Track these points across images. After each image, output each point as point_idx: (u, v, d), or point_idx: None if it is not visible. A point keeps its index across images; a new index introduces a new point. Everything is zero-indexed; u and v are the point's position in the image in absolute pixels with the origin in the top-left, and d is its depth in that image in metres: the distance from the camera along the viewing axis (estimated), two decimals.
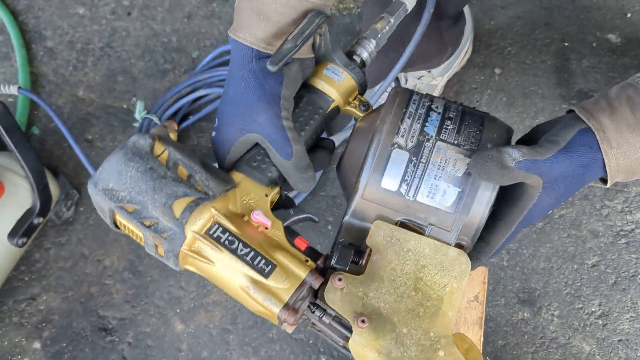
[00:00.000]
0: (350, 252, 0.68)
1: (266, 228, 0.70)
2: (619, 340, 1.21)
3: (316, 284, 0.69)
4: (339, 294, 0.67)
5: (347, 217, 0.72)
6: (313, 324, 0.70)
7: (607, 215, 1.34)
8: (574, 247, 1.31)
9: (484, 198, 0.68)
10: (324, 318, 0.68)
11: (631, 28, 1.48)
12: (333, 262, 0.68)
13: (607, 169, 0.67)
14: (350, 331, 0.66)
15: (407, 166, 0.68)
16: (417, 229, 0.70)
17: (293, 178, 0.74)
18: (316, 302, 0.68)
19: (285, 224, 0.72)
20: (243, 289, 0.67)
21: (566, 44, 1.49)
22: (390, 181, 0.69)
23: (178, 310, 1.37)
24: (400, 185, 0.69)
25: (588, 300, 1.26)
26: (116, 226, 0.73)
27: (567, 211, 1.35)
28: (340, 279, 0.66)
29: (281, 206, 0.75)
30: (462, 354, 0.66)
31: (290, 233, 0.71)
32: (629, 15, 1.49)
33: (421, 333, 0.65)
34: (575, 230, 1.33)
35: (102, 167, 0.68)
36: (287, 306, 0.66)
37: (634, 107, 0.65)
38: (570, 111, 0.70)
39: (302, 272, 0.68)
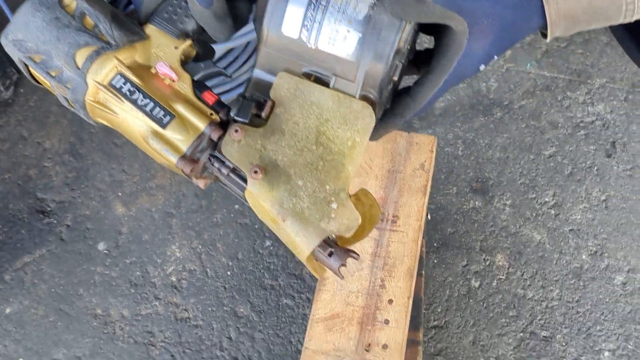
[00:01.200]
0: (251, 105, 0.65)
1: (173, 81, 0.68)
2: (570, 230, 1.18)
3: (215, 136, 0.67)
4: (236, 145, 0.64)
5: (254, 70, 0.68)
6: (217, 177, 0.68)
7: (568, 107, 1.29)
8: (531, 137, 1.27)
9: (387, 43, 0.62)
10: (222, 170, 0.66)
11: None
12: (233, 114, 0.65)
13: (547, 15, 0.61)
14: (247, 181, 0.64)
15: (307, 9, 0.63)
16: (323, 81, 0.66)
17: (212, 27, 0.71)
18: (215, 154, 0.66)
19: (195, 77, 0.69)
20: (144, 139, 0.66)
21: None
22: (291, 27, 0.64)
23: (120, 194, 1.31)
24: (300, 32, 0.64)
25: (542, 191, 1.22)
26: (34, 80, 0.73)
27: (528, 102, 1.30)
28: (237, 131, 0.64)
29: (199, 61, 0.73)
30: (363, 209, 0.64)
31: (200, 87, 0.69)
32: None
33: (317, 186, 0.64)
34: (534, 120, 1.28)
35: (13, 19, 0.70)
36: (185, 157, 0.65)
37: None
38: None
39: (201, 124, 0.67)
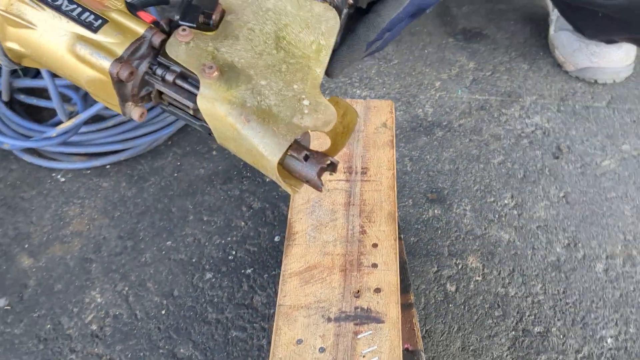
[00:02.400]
0: (198, 8, 0.60)
1: None
2: (537, 227, 1.10)
3: (157, 39, 0.60)
4: (184, 46, 0.58)
5: None
6: (160, 99, 0.60)
7: (506, 121, 1.28)
8: (477, 149, 1.23)
9: None
10: (167, 77, 0.58)
11: None
12: (178, 18, 0.60)
13: None
14: (198, 87, 0.57)
15: None
16: None
17: None
18: (159, 59, 0.59)
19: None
20: (69, 50, 0.58)
21: None
22: None
23: (26, 246, 1.11)
24: None
25: (500, 194, 1.16)
26: None
27: (466, 120, 1.29)
28: (185, 30, 0.58)
29: None
30: (338, 113, 0.60)
31: (134, 8, 0.63)
32: None
33: (283, 85, 0.59)
34: (476, 135, 1.26)
35: None
36: (120, 59, 0.56)
37: None
38: None
39: (140, 28, 0.60)
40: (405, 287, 0.80)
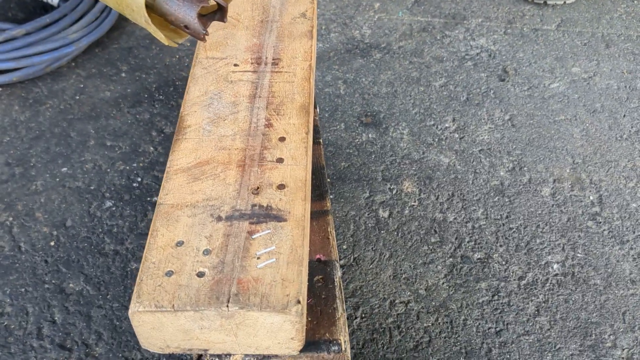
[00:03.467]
0: None
1: None
2: (480, 150, 1.00)
3: None
4: None
5: None
6: None
7: (450, 43, 1.17)
8: (417, 72, 1.12)
9: None
10: None
11: None
12: None
13: None
14: None
15: None
16: None
17: None
18: None
19: None
20: None
21: None
22: None
23: None
24: None
25: (440, 117, 1.05)
26: None
27: (406, 42, 1.17)
28: None
29: None
30: None
31: None
32: None
33: None
34: (417, 57, 1.15)
35: None
36: None
37: None
38: None
39: None
40: (321, 193, 0.68)
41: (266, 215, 0.54)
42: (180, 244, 0.52)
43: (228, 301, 0.47)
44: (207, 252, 0.51)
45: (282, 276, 0.49)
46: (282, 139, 0.61)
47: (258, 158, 0.59)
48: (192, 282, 0.49)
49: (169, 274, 0.50)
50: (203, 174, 0.58)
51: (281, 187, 0.57)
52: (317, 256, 0.62)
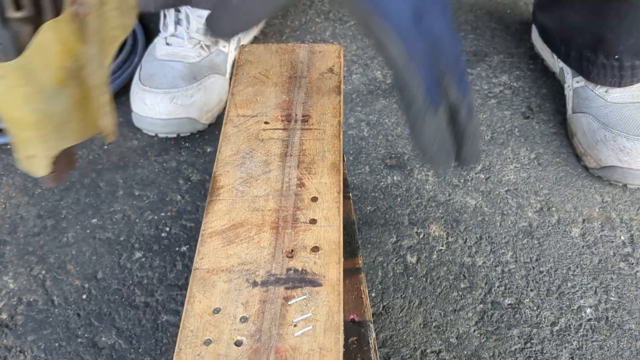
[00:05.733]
0: None
1: None
2: (506, 191, 1.00)
3: None
4: None
5: None
6: None
7: (472, 81, 1.18)
8: None
9: None
10: None
11: None
12: None
13: None
14: None
15: None
16: None
17: None
18: None
19: None
20: None
21: None
22: None
23: None
24: None
25: None
26: None
27: None
28: None
29: None
30: None
31: None
32: None
33: None
34: None
35: None
36: None
37: None
38: None
39: None
40: (352, 250, 0.68)
41: (301, 280, 0.54)
42: (217, 311, 0.53)
43: None
44: (244, 320, 0.52)
45: (319, 345, 0.49)
46: (314, 199, 0.62)
47: (291, 219, 0.60)
48: (230, 352, 0.50)
49: (207, 342, 0.50)
50: (237, 237, 0.58)
51: (315, 249, 0.57)
52: (351, 316, 0.62)
